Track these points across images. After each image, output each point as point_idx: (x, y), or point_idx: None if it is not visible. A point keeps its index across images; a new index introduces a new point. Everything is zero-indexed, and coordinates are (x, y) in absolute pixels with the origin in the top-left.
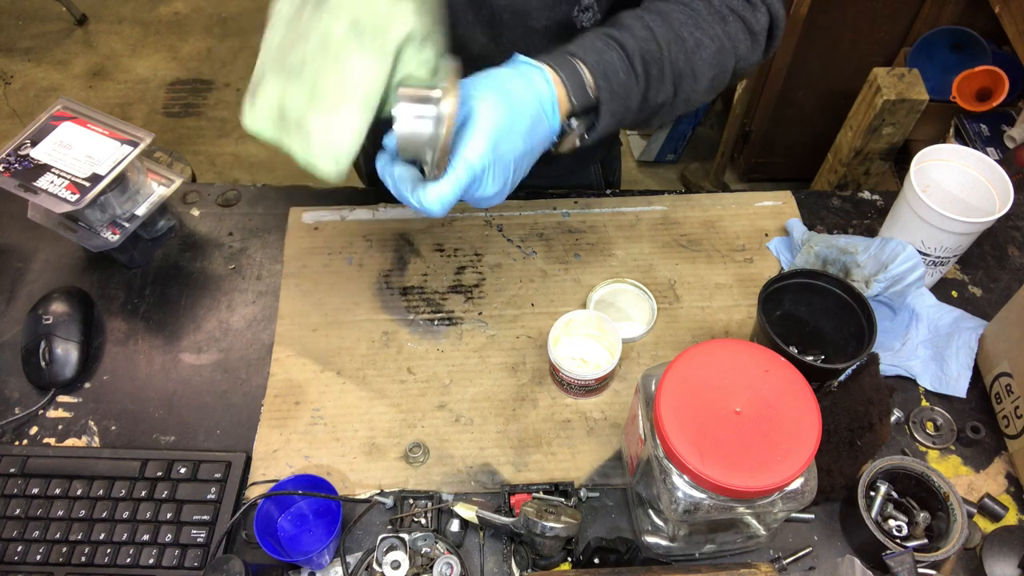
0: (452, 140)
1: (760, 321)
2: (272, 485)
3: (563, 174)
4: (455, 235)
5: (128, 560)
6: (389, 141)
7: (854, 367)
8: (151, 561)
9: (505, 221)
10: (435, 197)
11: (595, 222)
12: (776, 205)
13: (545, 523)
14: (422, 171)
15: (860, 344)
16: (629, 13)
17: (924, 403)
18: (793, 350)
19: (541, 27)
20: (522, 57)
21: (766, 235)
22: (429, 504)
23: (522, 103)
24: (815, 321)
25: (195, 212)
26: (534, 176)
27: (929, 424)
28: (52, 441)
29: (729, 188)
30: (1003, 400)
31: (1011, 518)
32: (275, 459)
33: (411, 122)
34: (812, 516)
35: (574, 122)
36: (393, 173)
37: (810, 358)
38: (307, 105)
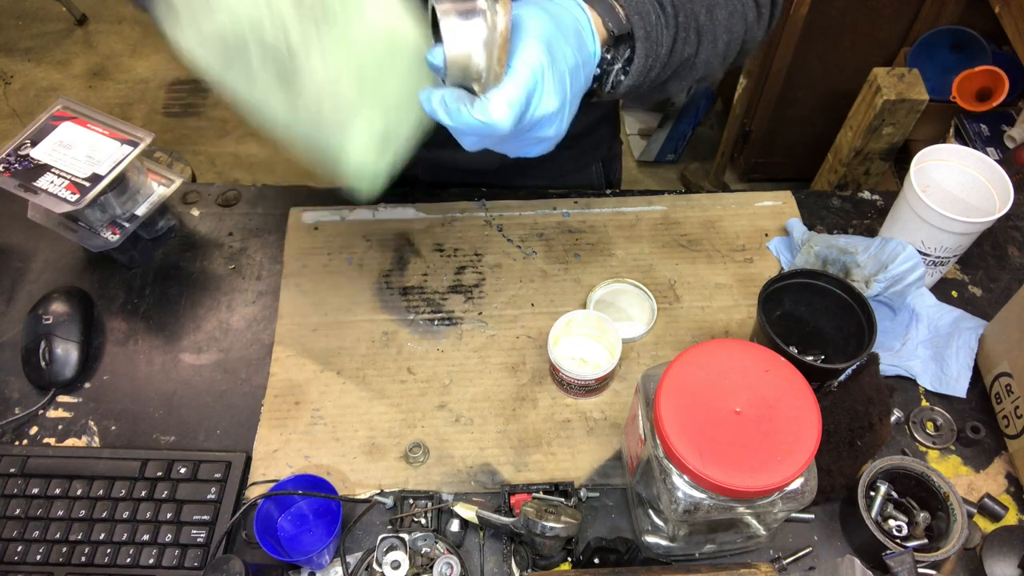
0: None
1: (760, 321)
2: (272, 485)
3: (564, 174)
4: (455, 235)
5: (128, 560)
6: (434, 58)
7: (854, 367)
8: (151, 561)
9: (505, 221)
10: (502, 101)
11: (595, 222)
12: (776, 205)
13: (545, 523)
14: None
15: (860, 344)
16: None
17: (924, 403)
18: (793, 350)
19: None
20: None
21: (766, 235)
22: (429, 504)
23: (562, 17)
24: (815, 321)
25: (195, 212)
26: (535, 176)
27: (929, 424)
28: (52, 441)
29: (729, 188)
30: (1003, 400)
31: (1011, 518)
32: (275, 459)
33: (462, 40)
34: (812, 516)
35: (621, 49)
36: (442, 98)
37: (810, 358)
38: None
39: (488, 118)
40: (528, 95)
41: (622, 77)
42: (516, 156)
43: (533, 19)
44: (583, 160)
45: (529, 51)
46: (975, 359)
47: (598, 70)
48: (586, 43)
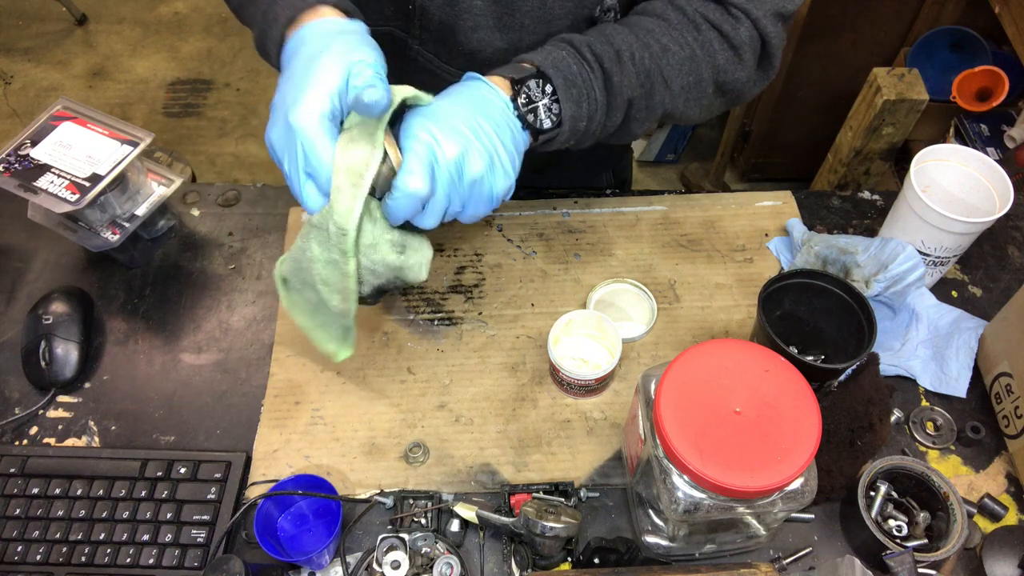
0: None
1: (760, 321)
2: (272, 485)
3: (574, 178)
4: (455, 235)
5: (128, 560)
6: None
7: (854, 367)
8: (151, 561)
9: (505, 221)
10: (406, 175)
11: (595, 222)
12: (776, 205)
13: (545, 523)
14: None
15: (860, 344)
16: (593, 28)
17: (924, 403)
18: (793, 350)
19: (564, 29)
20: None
21: (766, 235)
22: (429, 504)
23: (449, 91)
24: (815, 321)
25: (195, 212)
26: (547, 180)
27: (929, 424)
28: (52, 441)
29: (729, 188)
30: (1003, 400)
31: (1011, 518)
32: (275, 459)
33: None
34: (812, 516)
35: (533, 85)
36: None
37: (810, 358)
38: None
39: (407, 191)
40: (428, 157)
41: (555, 110)
42: (476, 214)
43: (414, 114)
44: (594, 168)
45: (412, 130)
46: (975, 359)
47: (519, 111)
48: (485, 96)
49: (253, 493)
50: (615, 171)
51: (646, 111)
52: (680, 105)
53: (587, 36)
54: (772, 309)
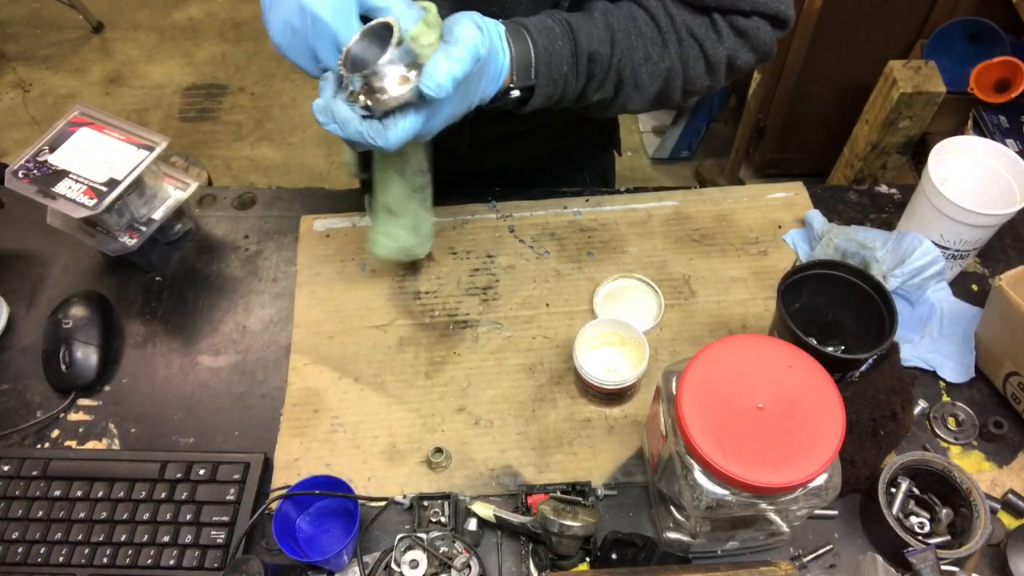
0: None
1: (779, 312)
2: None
3: (549, 178)
4: (467, 237)
5: (149, 561)
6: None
7: (875, 356)
8: (171, 562)
9: (516, 222)
10: (444, 69)
11: (607, 220)
12: (788, 196)
13: (563, 521)
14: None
15: (880, 333)
16: (599, 6)
17: (945, 398)
18: (812, 341)
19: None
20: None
21: (779, 227)
22: (446, 504)
23: (492, 47)
24: (834, 312)
25: (211, 215)
26: (521, 177)
27: (951, 419)
28: (73, 444)
29: (743, 183)
30: (1021, 400)
31: None
32: (296, 468)
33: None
34: (835, 512)
35: (513, 93)
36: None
37: (830, 349)
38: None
39: (439, 83)
40: (471, 62)
41: (516, 101)
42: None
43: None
44: (572, 169)
45: (470, 33)
46: (977, 363)
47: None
48: (494, 72)
49: (275, 504)
50: (595, 170)
51: (607, 106)
52: (638, 106)
53: (593, 37)
54: (791, 300)
